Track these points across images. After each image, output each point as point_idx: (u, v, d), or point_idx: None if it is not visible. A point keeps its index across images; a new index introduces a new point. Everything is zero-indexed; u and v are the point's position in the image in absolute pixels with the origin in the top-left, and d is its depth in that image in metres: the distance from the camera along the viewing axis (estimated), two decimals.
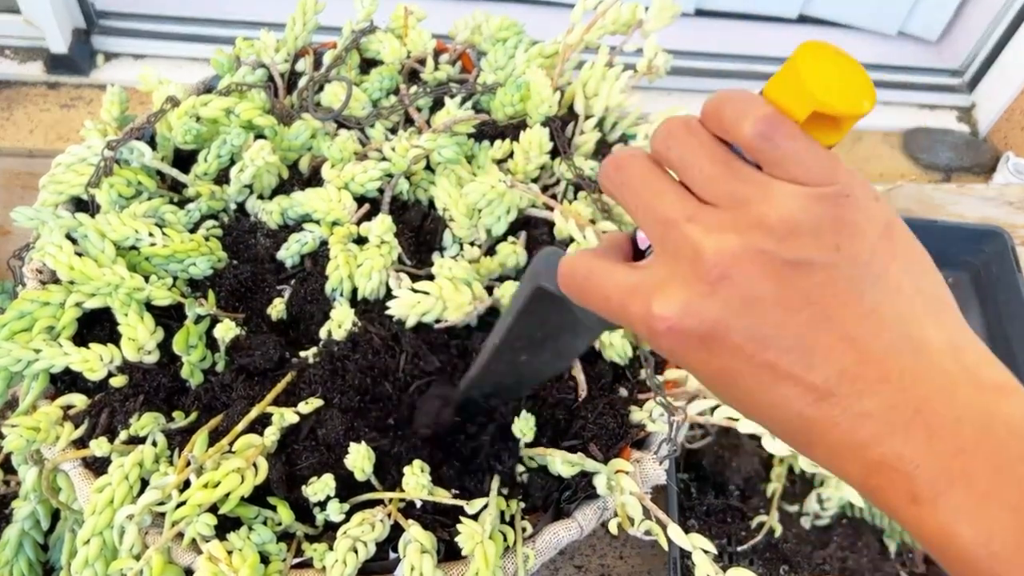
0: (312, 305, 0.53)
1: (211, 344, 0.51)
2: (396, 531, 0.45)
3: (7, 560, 0.51)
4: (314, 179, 0.60)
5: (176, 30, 1.08)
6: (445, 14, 0.72)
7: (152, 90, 0.61)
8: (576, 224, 0.53)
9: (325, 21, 0.66)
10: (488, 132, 0.62)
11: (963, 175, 1.11)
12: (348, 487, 0.46)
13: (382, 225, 0.53)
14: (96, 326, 0.51)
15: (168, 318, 0.52)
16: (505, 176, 0.55)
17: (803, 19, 1.18)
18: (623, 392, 0.52)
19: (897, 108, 1.16)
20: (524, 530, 0.46)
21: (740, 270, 0.23)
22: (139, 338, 0.49)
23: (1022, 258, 0.78)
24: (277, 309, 0.54)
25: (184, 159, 0.60)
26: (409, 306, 0.50)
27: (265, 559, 0.44)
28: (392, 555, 0.45)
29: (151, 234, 0.52)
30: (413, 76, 0.67)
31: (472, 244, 0.57)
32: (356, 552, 0.43)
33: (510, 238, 0.57)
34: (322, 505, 0.45)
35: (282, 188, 0.60)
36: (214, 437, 0.46)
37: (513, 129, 0.61)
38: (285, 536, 0.45)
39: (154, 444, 0.46)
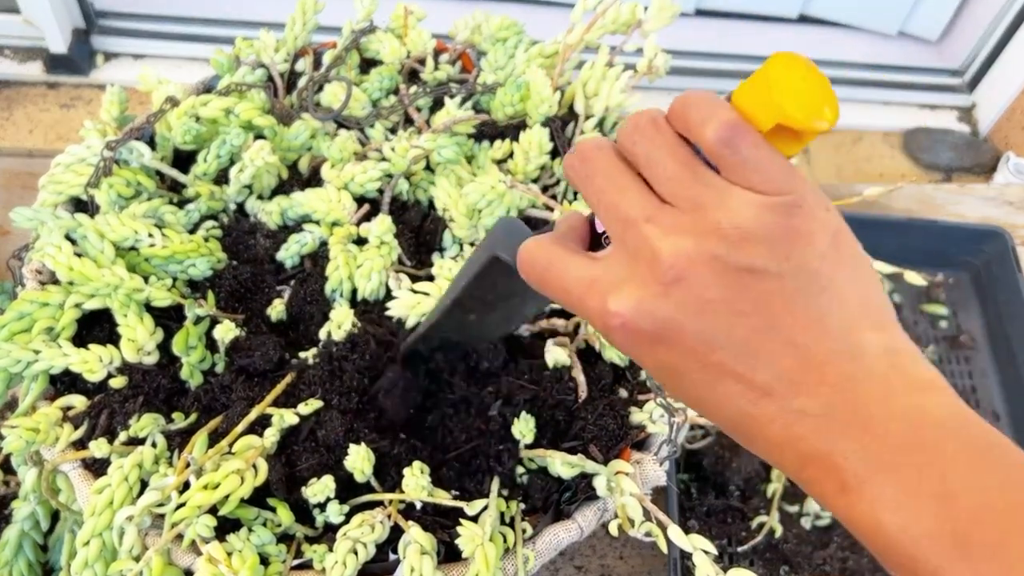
0: (312, 306, 0.53)
1: (211, 345, 0.51)
2: (396, 532, 0.45)
3: (6, 561, 0.51)
4: (314, 179, 0.60)
5: (176, 30, 1.08)
6: (445, 14, 0.72)
7: (151, 90, 0.60)
8: None
9: (325, 21, 0.66)
10: (488, 132, 0.62)
11: (963, 175, 1.11)
12: (348, 488, 0.46)
13: (382, 225, 0.53)
14: (95, 327, 0.51)
15: (168, 319, 0.52)
16: (505, 176, 0.55)
17: (803, 19, 1.18)
18: (623, 393, 0.52)
19: (897, 108, 1.16)
20: (524, 531, 0.46)
21: (694, 273, 0.24)
22: (139, 339, 0.49)
23: (1022, 258, 0.78)
24: (277, 310, 0.54)
25: (183, 159, 0.60)
26: (409, 307, 0.50)
27: (265, 560, 0.44)
28: (392, 557, 0.45)
29: (150, 235, 0.52)
30: (413, 76, 0.67)
31: (472, 244, 0.57)
32: (356, 554, 0.43)
33: None
34: (322, 506, 0.45)
35: (282, 188, 0.59)
36: (214, 438, 0.46)
37: (513, 129, 0.61)
38: (285, 537, 0.45)
39: (154, 445, 0.46)
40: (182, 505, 0.42)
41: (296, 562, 0.45)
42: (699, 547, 0.42)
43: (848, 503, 0.24)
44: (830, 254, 0.25)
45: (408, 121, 0.64)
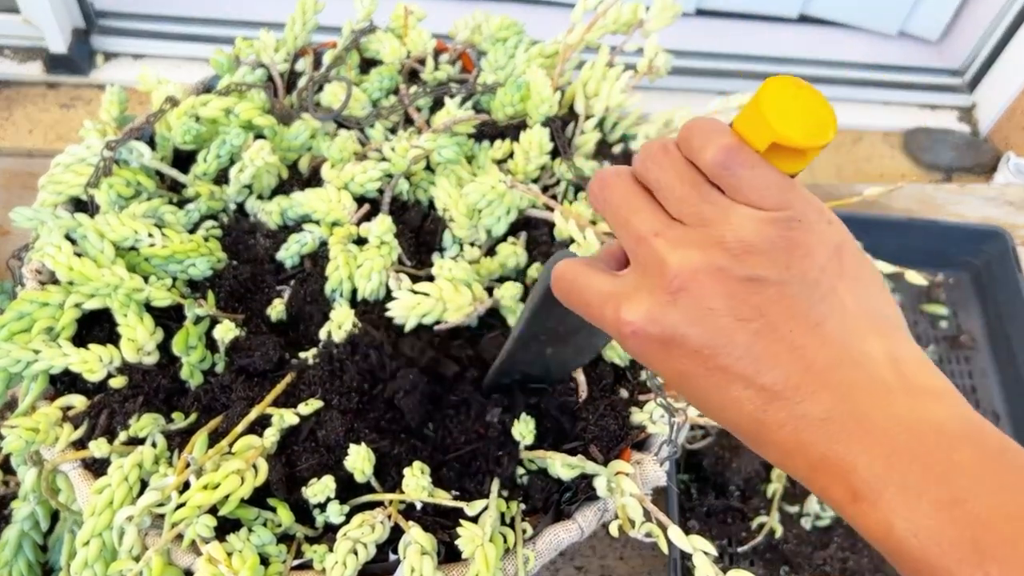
0: (312, 306, 0.53)
1: (211, 345, 0.51)
2: (396, 533, 0.45)
3: (6, 561, 0.51)
4: (314, 179, 0.60)
5: (175, 30, 1.08)
6: (445, 14, 0.72)
7: (151, 90, 0.60)
8: (576, 225, 0.53)
9: (325, 21, 0.66)
10: (488, 132, 0.61)
11: (964, 175, 1.11)
12: (348, 489, 0.46)
13: (382, 225, 0.53)
14: (95, 327, 0.51)
15: (167, 319, 0.52)
16: (505, 176, 0.55)
17: (803, 19, 1.18)
18: (624, 394, 0.52)
19: (898, 108, 1.16)
20: (524, 532, 0.46)
21: (698, 283, 0.26)
22: (138, 339, 0.49)
23: (1023, 258, 0.78)
24: (277, 310, 0.54)
25: (183, 159, 0.60)
26: (409, 308, 0.50)
27: (265, 561, 0.44)
28: (392, 557, 0.45)
29: (150, 234, 0.52)
30: (413, 76, 0.67)
31: (472, 245, 0.57)
32: (356, 554, 0.43)
33: (510, 239, 0.57)
34: (322, 507, 0.45)
35: (282, 188, 0.59)
36: (214, 438, 0.46)
37: (513, 129, 0.61)
38: (285, 538, 0.45)
39: (153, 445, 0.46)
40: (182, 505, 0.42)
41: (296, 562, 0.45)
42: (699, 548, 0.42)
43: (860, 511, 0.24)
44: (831, 265, 0.27)
45: (408, 121, 0.64)
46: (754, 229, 0.26)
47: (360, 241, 0.55)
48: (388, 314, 0.51)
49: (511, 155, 0.59)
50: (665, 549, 0.44)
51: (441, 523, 0.46)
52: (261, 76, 0.64)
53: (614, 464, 0.47)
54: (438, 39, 0.68)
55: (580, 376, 0.51)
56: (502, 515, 0.46)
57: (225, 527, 0.43)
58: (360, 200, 0.57)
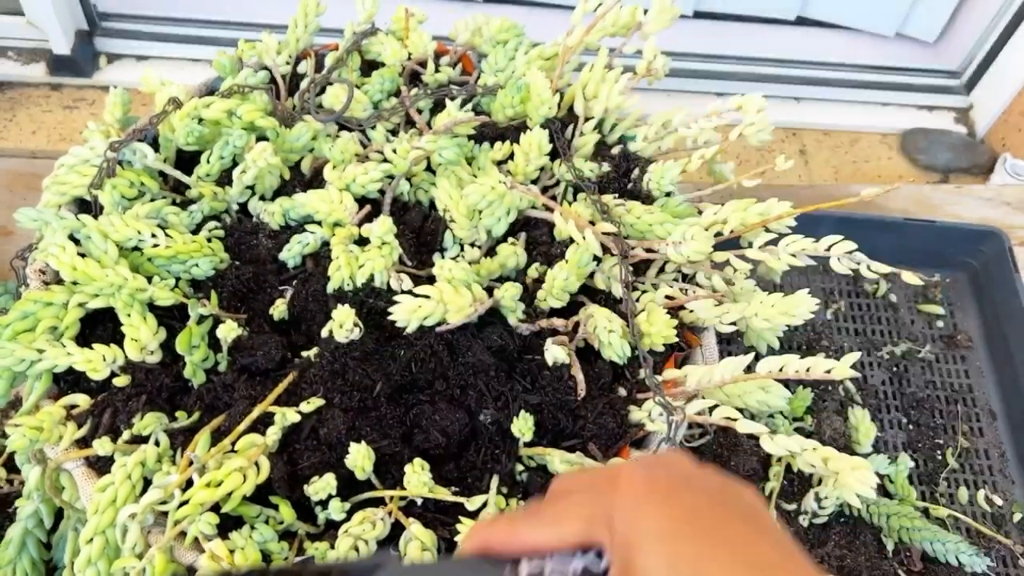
0: (314, 305, 0.54)
1: (213, 344, 0.51)
2: (397, 529, 0.45)
3: (10, 559, 0.51)
4: (316, 180, 0.60)
5: (178, 32, 1.09)
6: (445, 16, 0.72)
7: (154, 92, 0.61)
8: (576, 225, 0.54)
9: (326, 23, 0.67)
10: (488, 134, 0.62)
11: (961, 176, 1.11)
12: (349, 486, 0.46)
13: (383, 226, 0.54)
14: (99, 326, 0.52)
15: (171, 318, 0.52)
16: (505, 177, 0.55)
17: (801, 20, 1.18)
18: (622, 392, 0.53)
19: (895, 109, 1.17)
20: None
21: None
22: (142, 338, 0.49)
23: (1019, 259, 0.79)
24: (279, 310, 0.54)
25: (186, 160, 0.60)
26: (410, 311, 0.50)
27: (267, 558, 0.44)
28: (393, 553, 0.46)
29: (154, 235, 0.52)
30: (414, 78, 0.68)
31: (472, 245, 0.58)
32: (357, 550, 0.43)
33: (510, 239, 0.58)
34: (323, 504, 0.46)
35: (284, 189, 0.60)
36: (216, 436, 0.46)
37: (513, 131, 0.61)
38: (287, 535, 0.46)
39: (157, 444, 0.47)
40: (185, 503, 0.42)
41: (298, 559, 0.45)
42: None
43: None
44: None
45: (409, 123, 0.64)
46: None
47: (362, 241, 0.56)
48: (390, 318, 0.51)
49: (511, 156, 0.60)
50: None
51: (441, 519, 0.46)
52: (263, 78, 0.64)
53: (613, 462, 0.47)
54: (439, 41, 0.68)
55: (579, 375, 0.51)
56: (501, 512, 0.47)
57: (227, 524, 0.44)
58: (361, 201, 0.58)
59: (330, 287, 0.53)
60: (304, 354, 0.51)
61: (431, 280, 0.53)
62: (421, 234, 0.59)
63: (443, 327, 0.51)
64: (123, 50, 1.07)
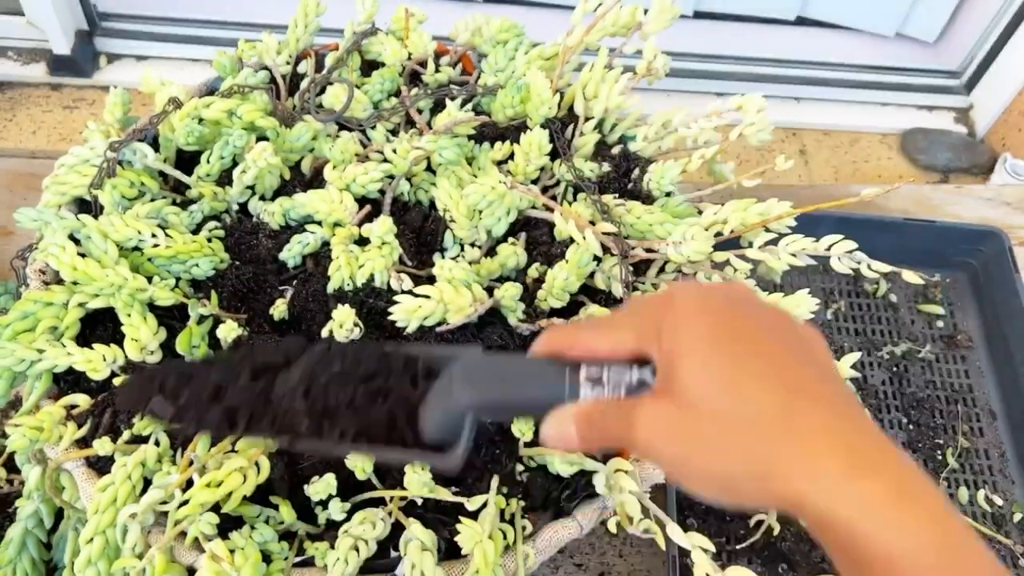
0: (314, 305, 0.54)
1: (214, 344, 0.51)
2: (397, 530, 0.45)
3: (11, 559, 0.51)
4: (316, 180, 0.60)
5: (178, 32, 1.09)
6: (445, 16, 0.72)
7: (154, 92, 0.61)
8: (576, 225, 0.54)
9: (327, 23, 0.67)
10: (488, 134, 0.62)
11: (961, 176, 1.11)
12: (349, 486, 0.46)
13: (383, 226, 0.54)
14: (99, 326, 0.52)
15: (171, 318, 0.52)
16: (505, 177, 0.55)
17: (801, 21, 1.18)
18: None
19: (895, 109, 1.17)
20: (524, 529, 0.46)
21: None
22: (142, 338, 0.49)
23: (1019, 259, 0.79)
24: (279, 309, 0.54)
25: (186, 160, 0.60)
26: (410, 311, 0.50)
27: (267, 558, 0.44)
28: (393, 553, 0.46)
29: (154, 235, 0.52)
30: (414, 78, 0.68)
31: (473, 245, 0.58)
32: (357, 551, 0.43)
33: (510, 239, 0.57)
34: (324, 504, 0.46)
35: (284, 189, 0.60)
36: (216, 436, 0.46)
37: (513, 131, 0.61)
38: (287, 535, 0.46)
39: (157, 444, 0.47)
40: (185, 503, 0.42)
41: (298, 559, 0.45)
42: (697, 545, 0.42)
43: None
44: None
45: (409, 123, 0.64)
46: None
47: (362, 241, 0.56)
48: (390, 318, 0.51)
49: (511, 156, 0.60)
50: (664, 546, 0.44)
51: (441, 519, 0.46)
52: (263, 78, 0.64)
53: (613, 462, 0.47)
54: (439, 41, 0.68)
55: None
56: (502, 512, 0.47)
57: (228, 525, 0.44)
58: (361, 201, 0.58)
59: (330, 287, 0.53)
60: None
61: (431, 280, 0.53)
62: (421, 234, 0.59)
63: (443, 327, 0.51)
64: (123, 50, 1.08)
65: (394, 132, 0.64)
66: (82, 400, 0.49)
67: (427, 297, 0.50)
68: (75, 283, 0.50)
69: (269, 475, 0.45)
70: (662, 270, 0.58)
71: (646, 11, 0.61)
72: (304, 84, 0.64)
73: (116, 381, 0.49)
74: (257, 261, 0.57)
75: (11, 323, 0.48)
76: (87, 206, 0.56)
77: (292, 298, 0.55)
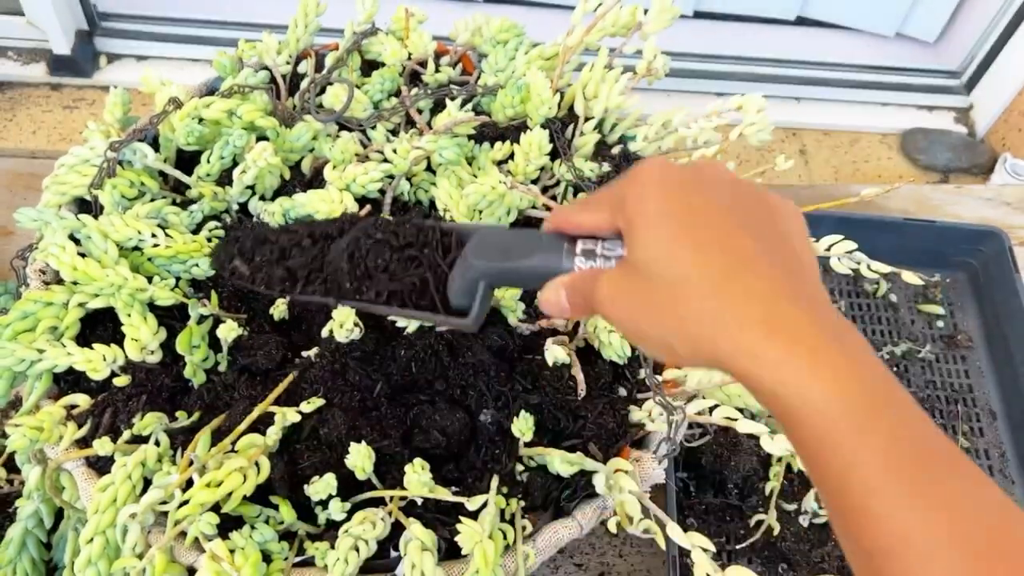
0: (314, 305, 0.54)
1: (214, 344, 0.51)
2: (397, 529, 0.45)
3: (11, 558, 0.51)
4: (316, 180, 0.60)
5: (178, 32, 1.09)
6: (445, 16, 0.72)
7: (154, 92, 0.61)
8: None
9: (327, 23, 0.67)
10: (488, 134, 0.62)
11: (961, 176, 1.11)
12: (349, 486, 0.46)
13: None
14: (99, 326, 0.52)
15: (171, 318, 0.52)
16: (505, 177, 0.55)
17: (801, 21, 1.18)
18: (622, 392, 0.53)
19: (895, 109, 1.17)
20: (524, 529, 0.46)
21: None
22: (142, 338, 0.49)
23: (1019, 259, 0.79)
24: (279, 309, 0.54)
25: (187, 160, 0.60)
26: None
27: (267, 558, 0.44)
28: (393, 553, 0.46)
29: (154, 235, 0.52)
30: (414, 78, 0.68)
31: None
32: (357, 550, 0.43)
33: None
34: (324, 504, 0.46)
35: (284, 189, 0.60)
36: (216, 436, 0.46)
37: (513, 131, 0.61)
38: (287, 535, 0.46)
39: (157, 444, 0.47)
40: (185, 503, 0.42)
41: (298, 559, 0.45)
42: (697, 544, 0.42)
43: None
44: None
45: (409, 122, 0.64)
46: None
47: None
48: (391, 318, 0.51)
49: (511, 156, 0.60)
50: (664, 546, 0.44)
51: (441, 519, 0.46)
52: (263, 78, 0.64)
53: (613, 462, 0.47)
54: (439, 41, 0.68)
55: (579, 374, 0.51)
56: (502, 512, 0.47)
57: (228, 524, 0.44)
58: (362, 201, 0.58)
59: None
60: (304, 354, 0.51)
61: None
62: None
63: (443, 328, 0.52)
64: (123, 50, 1.08)
65: (394, 132, 0.64)
66: (82, 400, 0.49)
67: None
68: (75, 283, 0.50)
69: (269, 475, 0.45)
70: None
71: (646, 11, 0.61)
72: (304, 84, 0.64)
73: (116, 381, 0.49)
74: None
75: (11, 323, 0.48)
76: (87, 206, 0.56)
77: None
